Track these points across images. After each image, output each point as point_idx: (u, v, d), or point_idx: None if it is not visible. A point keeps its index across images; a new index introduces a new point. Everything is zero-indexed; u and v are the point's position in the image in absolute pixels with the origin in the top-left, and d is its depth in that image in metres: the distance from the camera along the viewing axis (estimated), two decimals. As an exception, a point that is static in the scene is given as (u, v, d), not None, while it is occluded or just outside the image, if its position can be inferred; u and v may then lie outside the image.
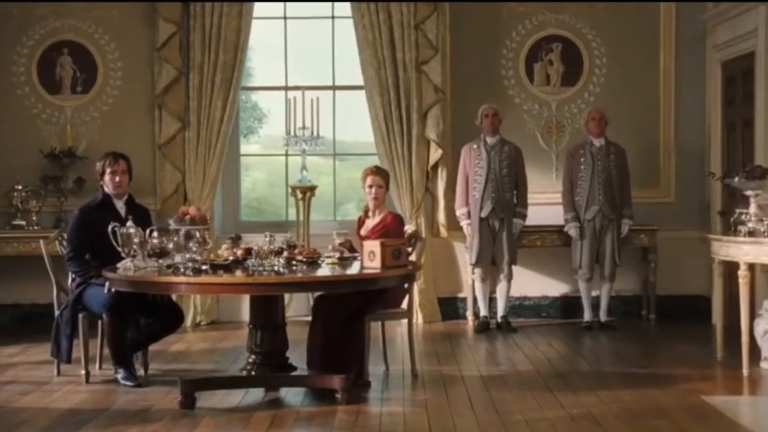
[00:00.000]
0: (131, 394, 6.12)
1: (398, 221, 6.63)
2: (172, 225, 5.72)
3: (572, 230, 8.63)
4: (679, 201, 9.29)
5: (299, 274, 5.76)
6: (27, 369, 6.97)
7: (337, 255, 6.14)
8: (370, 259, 5.72)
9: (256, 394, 6.03)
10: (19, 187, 8.95)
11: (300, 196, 9.04)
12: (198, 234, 5.56)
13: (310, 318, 8.31)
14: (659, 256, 8.98)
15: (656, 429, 5.19)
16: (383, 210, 6.68)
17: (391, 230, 6.45)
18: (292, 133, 8.89)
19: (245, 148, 9.84)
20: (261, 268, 5.55)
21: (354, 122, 9.91)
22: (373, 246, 5.72)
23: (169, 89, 9.10)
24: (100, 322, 6.65)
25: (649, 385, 6.23)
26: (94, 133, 9.26)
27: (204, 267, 5.58)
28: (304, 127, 8.87)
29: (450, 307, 9.33)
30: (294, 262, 5.98)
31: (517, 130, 9.15)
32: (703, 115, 9.14)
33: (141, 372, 6.63)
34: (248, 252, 5.86)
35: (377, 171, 6.78)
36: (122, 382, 6.35)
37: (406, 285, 6.44)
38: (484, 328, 8.67)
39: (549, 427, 5.19)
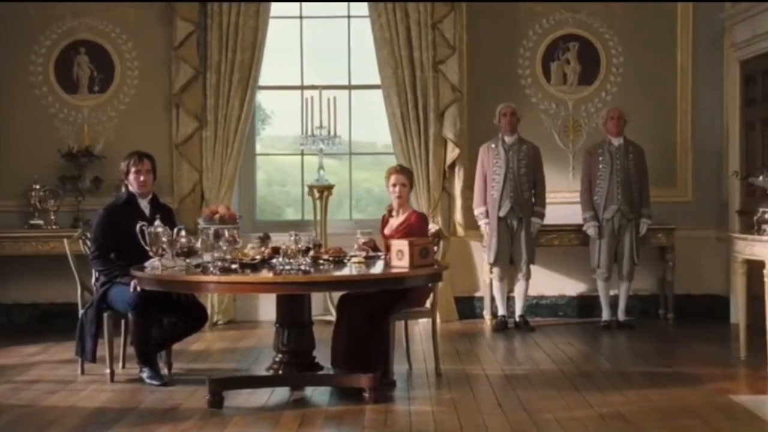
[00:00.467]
0: (158, 393, 6.12)
1: (422, 220, 6.62)
2: (202, 224, 5.72)
3: (591, 229, 8.63)
4: (696, 200, 9.29)
5: (335, 273, 5.77)
6: (50, 368, 6.97)
7: (363, 254, 6.13)
8: (399, 258, 5.71)
9: (281, 394, 6.03)
10: (37, 187, 8.96)
11: (317, 195, 9.04)
12: (227, 233, 5.55)
13: (326, 317, 8.42)
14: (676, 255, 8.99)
15: (688, 428, 5.17)
16: (407, 209, 6.67)
17: (415, 229, 6.44)
18: (310, 133, 8.89)
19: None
20: (289, 268, 5.54)
21: (366, 121, 9.92)
22: (401, 245, 5.72)
23: (186, 88, 9.10)
24: (123, 321, 6.66)
25: (674, 384, 6.22)
26: (111, 132, 9.26)
27: (234, 266, 5.57)
28: (321, 126, 8.87)
29: (466, 307, 9.33)
30: (321, 261, 5.98)
31: (533, 130, 9.14)
32: (721, 115, 9.13)
33: (165, 371, 6.64)
34: (275, 251, 5.86)
35: (401, 170, 6.78)
36: (148, 381, 6.36)
37: (430, 284, 6.43)
38: (502, 327, 8.67)
39: (580, 427, 5.18)
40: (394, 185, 6.66)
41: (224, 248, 5.49)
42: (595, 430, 5.13)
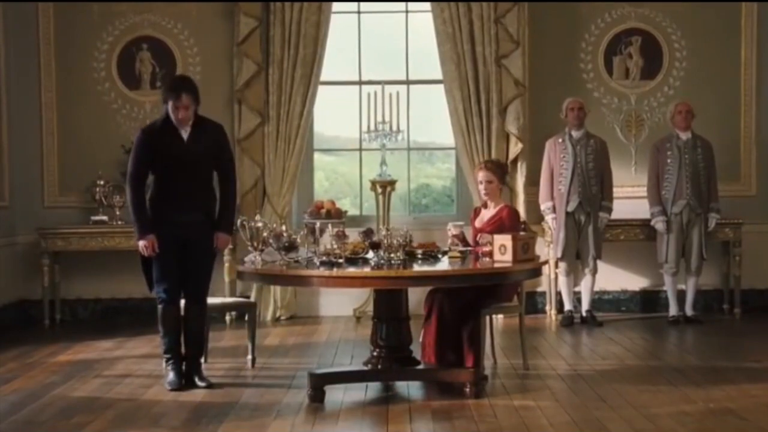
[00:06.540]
0: (252, 388, 6.08)
1: (514, 215, 6.59)
2: (307, 219, 5.70)
3: (659, 224, 8.60)
4: (761, 194, 9.26)
5: (441, 267, 5.77)
6: (134, 363, 6.95)
7: (459, 248, 6.11)
8: (502, 253, 5.69)
9: (377, 388, 6.00)
10: (102, 183, 8.95)
11: (380, 190, 9.03)
12: (330, 227, 5.54)
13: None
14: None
15: (806, 423, 5.14)
16: (499, 202, 6.65)
17: (506, 223, 6.41)
18: (372, 128, 8.87)
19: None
20: (389, 262, 5.52)
21: (421, 117, 9.91)
22: (504, 240, 5.69)
23: (249, 84, 9.08)
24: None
25: (770, 379, 6.20)
26: (173, 128, 9.24)
27: (340, 260, 5.55)
28: (384, 122, 8.85)
29: (528, 301, 9.22)
30: (418, 255, 5.96)
31: (596, 124, 9.12)
32: (786, 109, 9.13)
33: (249, 366, 6.64)
34: (372, 246, 5.83)
35: (484, 166, 6.73)
36: (166, 385, 6.06)
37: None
38: (568, 322, 8.66)
39: (694, 422, 5.12)
40: (480, 182, 6.65)
41: (334, 243, 5.47)
42: (712, 425, 5.06)
